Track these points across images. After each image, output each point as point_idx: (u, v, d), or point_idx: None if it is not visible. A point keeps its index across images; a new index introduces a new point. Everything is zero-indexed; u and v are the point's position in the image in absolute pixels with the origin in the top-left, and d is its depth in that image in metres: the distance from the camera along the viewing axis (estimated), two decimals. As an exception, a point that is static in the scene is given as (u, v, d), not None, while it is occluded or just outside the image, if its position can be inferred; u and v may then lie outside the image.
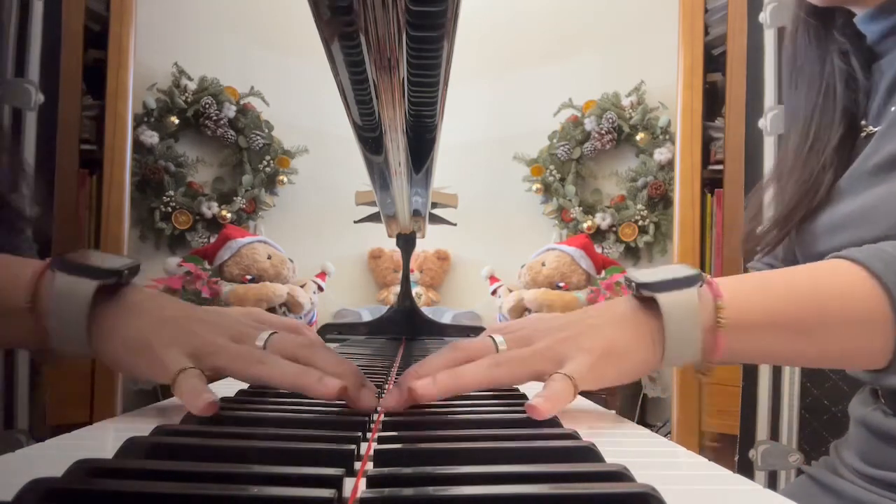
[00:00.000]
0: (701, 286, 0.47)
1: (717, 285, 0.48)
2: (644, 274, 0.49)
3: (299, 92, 2.33)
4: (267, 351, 0.48)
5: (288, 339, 0.49)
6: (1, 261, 0.48)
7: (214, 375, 0.49)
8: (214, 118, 2.23)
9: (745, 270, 0.81)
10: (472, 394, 0.58)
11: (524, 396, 0.55)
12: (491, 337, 0.50)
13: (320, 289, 2.25)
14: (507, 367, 0.47)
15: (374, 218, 1.43)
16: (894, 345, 0.47)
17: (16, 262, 0.48)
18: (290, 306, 2.11)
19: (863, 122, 0.66)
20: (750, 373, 1.51)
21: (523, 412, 0.44)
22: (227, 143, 2.28)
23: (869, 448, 0.62)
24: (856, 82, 0.66)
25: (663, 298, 0.46)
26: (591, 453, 0.34)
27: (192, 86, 2.24)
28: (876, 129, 0.62)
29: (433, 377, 0.46)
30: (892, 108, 0.61)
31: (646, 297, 0.48)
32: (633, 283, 0.49)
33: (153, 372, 0.46)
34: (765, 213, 0.73)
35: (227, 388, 0.54)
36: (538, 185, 2.37)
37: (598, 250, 2.27)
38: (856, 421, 0.66)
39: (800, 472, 0.81)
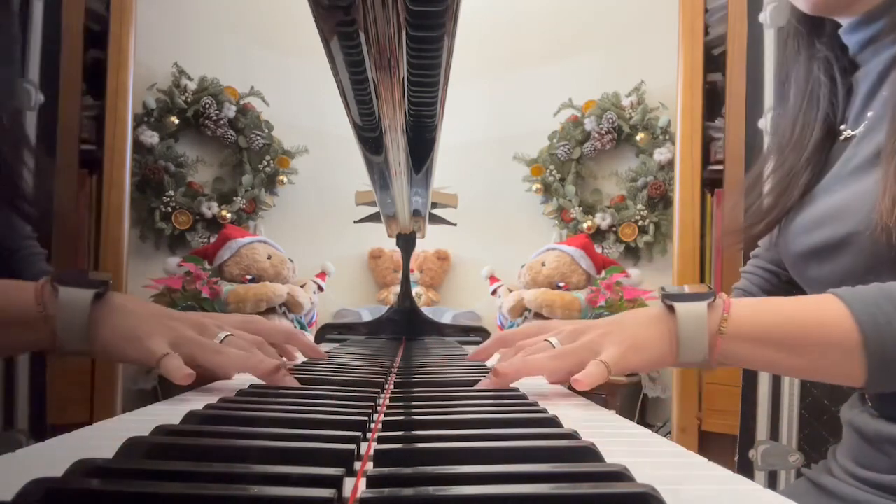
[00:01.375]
0: (713, 301, 0.58)
1: (728, 302, 0.59)
2: (672, 288, 0.61)
3: (299, 92, 2.33)
4: (223, 345, 0.63)
5: (241, 339, 0.65)
6: (7, 283, 0.60)
7: (187, 359, 0.60)
8: (214, 118, 2.23)
9: (745, 255, 0.92)
10: (471, 393, 0.58)
11: (524, 396, 0.55)
12: (547, 339, 0.65)
13: (320, 289, 2.25)
14: (562, 359, 0.61)
15: (374, 218, 1.43)
16: (866, 372, 0.55)
17: (17, 283, 0.60)
18: (290, 306, 2.11)
19: (842, 127, 0.71)
20: (750, 373, 1.51)
21: (523, 412, 0.44)
22: (227, 143, 2.29)
23: (860, 450, 0.65)
24: (837, 90, 0.72)
25: (679, 307, 0.59)
26: (591, 453, 0.34)
27: (192, 86, 2.24)
28: (854, 133, 0.68)
29: (509, 362, 0.61)
30: (870, 114, 0.66)
31: (668, 305, 0.60)
32: (662, 295, 0.61)
33: (142, 356, 0.59)
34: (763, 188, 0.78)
35: (228, 388, 0.55)
36: (538, 185, 2.37)
37: (598, 250, 2.27)
38: (847, 424, 0.68)
39: (799, 473, 0.82)
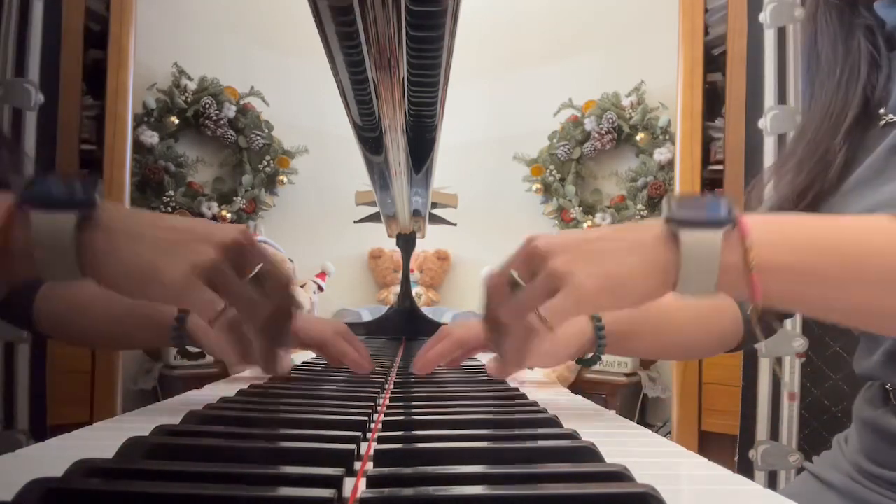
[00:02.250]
0: (732, 228, 0.45)
1: (746, 224, 0.46)
2: (680, 204, 0.47)
3: (299, 92, 2.33)
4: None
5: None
6: None
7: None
8: (214, 118, 2.23)
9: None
10: (472, 394, 0.58)
11: (524, 396, 0.55)
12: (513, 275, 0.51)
13: (320, 289, 2.25)
14: (513, 308, 0.50)
15: (374, 218, 1.43)
16: None
17: None
18: (290, 306, 2.11)
19: (881, 111, 0.64)
20: (750, 373, 1.51)
21: (523, 412, 0.44)
22: (227, 143, 2.28)
23: (877, 449, 0.61)
24: (876, 65, 0.65)
25: (686, 236, 0.45)
26: (591, 453, 0.34)
27: (192, 86, 2.24)
28: None
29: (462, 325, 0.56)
30: None
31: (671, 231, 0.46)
32: (666, 217, 0.47)
33: (181, 302, 0.49)
34: (765, 204, 0.72)
35: (228, 388, 0.54)
36: (538, 185, 2.37)
37: (598, 250, 2.26)
38: (862, 421, 0.64)
39: (801, 470, 0.79)
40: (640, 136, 2.27)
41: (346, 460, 0.32)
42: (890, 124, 0.62)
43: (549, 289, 0.47)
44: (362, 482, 0.29)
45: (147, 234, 0.47)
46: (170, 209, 2.19)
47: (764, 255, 0.45)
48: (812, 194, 0.64)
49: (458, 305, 2.36)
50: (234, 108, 2.25)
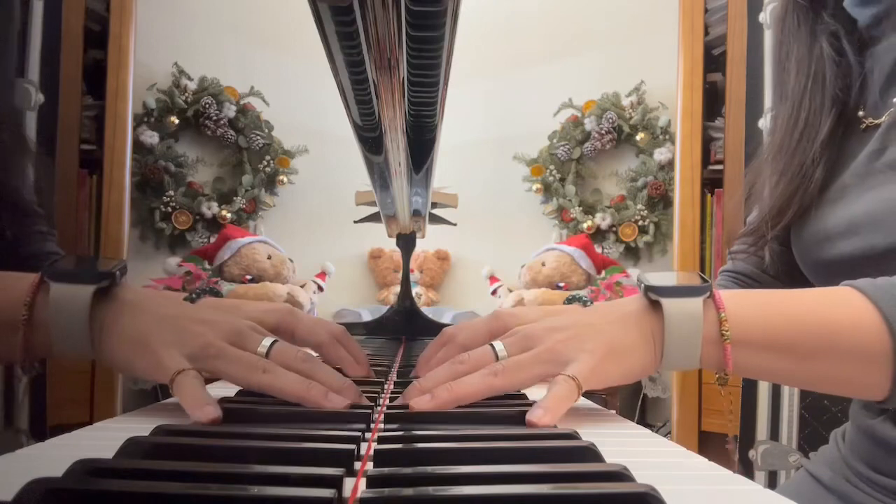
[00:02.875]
0: (708, 297, 0.48)
1: (720, 297, 0.48)
2: (655, 277, 0.49)
3: (299, 92, 2.33)
4: (269, 360, 0.48)
5: (290, 350, 0.49)
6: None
7: (213, 376, 0.49)
8: (214, 118, 2.23)
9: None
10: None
11: (524, 396, 0.55)
12: (491, 345, 0.50)
13: (320, 289, 2.25)
14: (505, 376, 0.47)
15: (374, 218, 1.43)
16: (892, 382, 0.47)
17: (9, 276, 0.49)
18: (290, 306, 2.11)
19: (860, 114, 0.63)
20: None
21: (523, 411, 0.44)
22: (227, 143, 2.28)
23: (875, 456, 0.61)
24: (847, 67, 0.63)
25: (668, 304, 0.47)
26: (591, 453, 0.34)
27: (192, 86, 2.24)
28: (878, 122, 0.60)
29: (432, 393, 0.46)
30: (895, 100, 0.58)
31: (652, 300, 0.48)
32: (643, 285, 0.49)
33: (151, 371, 0.46)
34: (761, 192, 0.69)
35: (227, 388, 0.54)
36: (538, 185, 2.37)
37: (598, 250, 2.27)
38: (859, 428, 0.63)
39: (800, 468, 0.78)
40: (640, 136, 2.27)
41: (346, 460, 0.32)
42: (871, 128, 0.61)
43: (555, 363, 0.47)
44: (362, 482, 0.29)
45: (153, 310, 0.48)
46: (170, 209, 2.20)
47: (737, 327, 0.47)
48: (792, 212, 0.63)
49: (458, 305, 2.36)
50: (234, 108, 2.25)
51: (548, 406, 0.44)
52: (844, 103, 0.64)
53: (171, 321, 0.48)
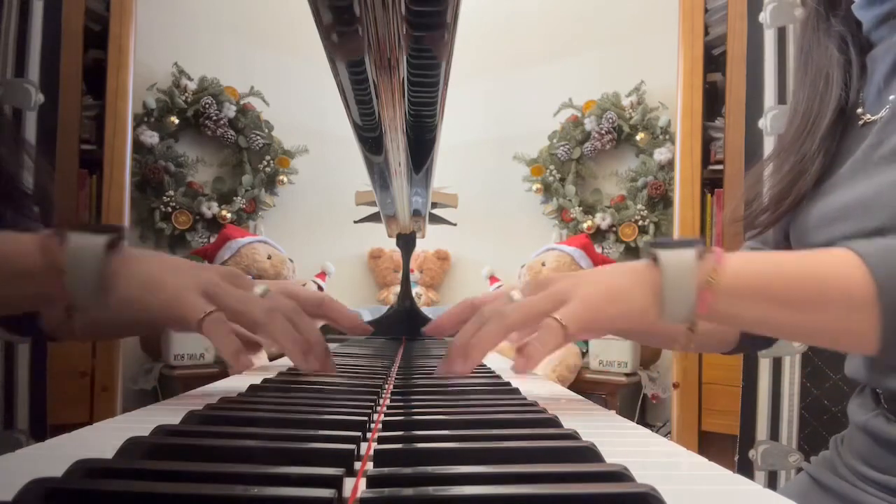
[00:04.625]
0: (703, 251, 0.50)
1: (721, 254, 0.51)
2: (657, 239, 0.52)
3: (299, 92, 2.33)
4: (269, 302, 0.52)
5: (281, 299, 0.54)
6: (8, 234, 0.51)
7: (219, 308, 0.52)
8: (214, 118, 2.23)
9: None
10: (472, 394, 0.58)
11: (524, 396, 0.55)
12: (510, 295, 0.55)
13: (320, 289, 2.25)
14: (516, 313, 0.51)
15: (374, 218, 1.43)
16: (880, 334, 0.48)
17: (21, 234, 0.51)
18: (290, 306, 2.11)
19: (859, 111, 0.65)
20: (750, 373, 1.51)
21: (523, 411, 0.44)
22: (227, 143, 2.29)
23: (872, 453, 0.61)
24: (850, 70, 0.67)
25: (664, 254, 0.51)
26: (591, 453, 0.34)
27: (192, 86, 2.24)
28: (875, 118, 0.62)
29: (464, 358, 0.52)
30: (892, 97, 0.61)
31: (651, 256, 0.52)
32: (645, 243, 0.52)
33: (168, 307, 0.49)
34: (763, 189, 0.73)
35: (228, 388, 0.54)
36: (538, 185, 2.37)
37: (598, 250, 2.27)
38: (856, 425, 0.64)
39: (800, 470, 0.79)
40: (640, 136, 2.27)
41: (346, 460, 0.32)
42: (868, 124, 0.63)
43: (556, 300, 0.51)
44: (362, 482, 0.29)
45: (160, 257, 0.52)
46: (170, 209, 2.20)
47: (729, 276, 0.50)
48: (790, 200, 0.66)
49: (458, 305, 2.36)
50: (234, 108, 2.25)
51: (529, 353, 0.49)
52: (846, 101, 0.66)
53: (179, 263, 0.52)
